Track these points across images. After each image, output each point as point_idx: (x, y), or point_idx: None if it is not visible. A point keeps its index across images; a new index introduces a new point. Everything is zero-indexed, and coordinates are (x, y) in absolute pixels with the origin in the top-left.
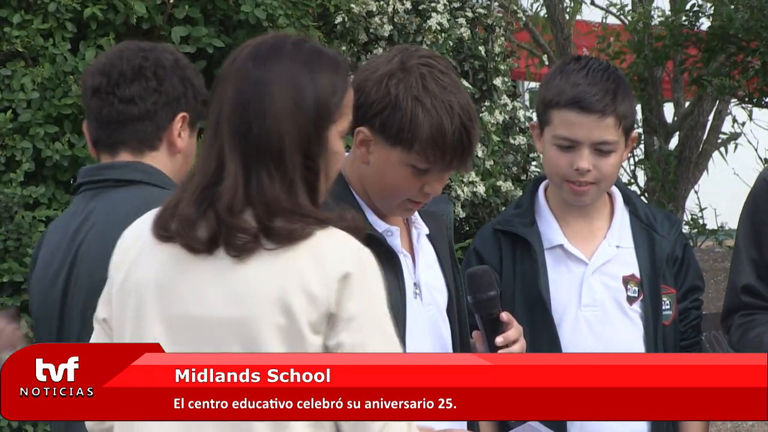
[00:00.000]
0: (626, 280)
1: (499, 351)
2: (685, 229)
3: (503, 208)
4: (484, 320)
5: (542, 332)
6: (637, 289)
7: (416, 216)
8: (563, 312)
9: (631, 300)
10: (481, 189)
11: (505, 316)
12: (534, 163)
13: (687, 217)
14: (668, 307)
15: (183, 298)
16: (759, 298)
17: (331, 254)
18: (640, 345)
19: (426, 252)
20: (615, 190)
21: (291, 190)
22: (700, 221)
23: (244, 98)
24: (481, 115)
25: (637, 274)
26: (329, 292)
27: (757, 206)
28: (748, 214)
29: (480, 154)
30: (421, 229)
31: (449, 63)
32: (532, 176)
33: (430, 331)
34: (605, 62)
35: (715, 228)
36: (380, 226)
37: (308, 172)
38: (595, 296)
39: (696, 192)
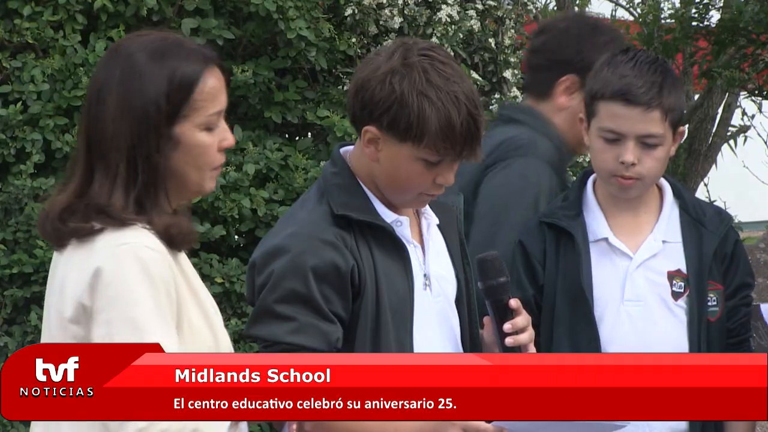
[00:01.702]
0: (671, 276)
1: (507, 338)
2: None
3: None
4: (493, 306)
5: (582, 326)
6: (683, 284)
7: (426, 206)
8: (605, 306)
9: (676, 295)
10: None
11: (513, 302)
12: None
13: None
14: (714, 303)
15: (49, 287)
16: None
17: (97, 250)
18: (684, 341)
19: (436, 242)
20: (665, 183)
21: (111, 191)
22: None
23: (89, 100)
24: (491, 107)
25: (684, 270)
26: (83, 285)
27: None
28: None
29: None
30: (430, 219)
31: (448, 53)
32: None
33: (439, 322)
34: (654, 54)
35: None
36: (389, 216)
37: (134, 173)
38: (638, 291)
39: (705, 185)
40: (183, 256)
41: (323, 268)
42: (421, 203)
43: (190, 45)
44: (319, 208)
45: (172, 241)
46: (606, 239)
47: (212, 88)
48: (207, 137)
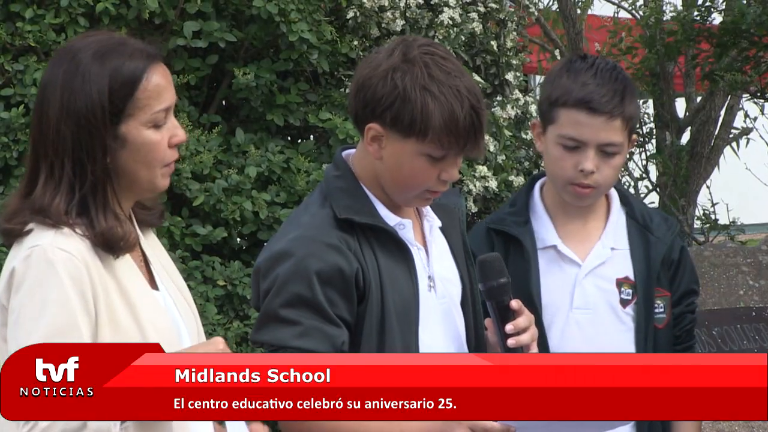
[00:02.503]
0: (620, 283)
1: (509, 339)
2: (697, 224)
3: None
4: (494, 308)
5: None
6: (630, 291)
7: (428, 209)
8: (554, 314)
9: (624, 303)
10: (493, 184)
11: (515, 303)
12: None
13: (699, 212)
14: (662, 310)
15: None
16: None
17: (19, 251)
18: (632, 348)
19: (439, 244)
20: (612, 190)
21: (54, 193)
22: (712, 216)
23: (36, 101)
24: (492, 109)
25: (631, 277)
26: (2, 286)
27: None
28: None
29: (492, 148)
30: (433, 221)
31: (447, 48)
32: (544, 171)
33: (444, 323)
34: (611, 62)
35: (727, 223)
36: (392, 219)
37: (82, 174)
38: (587, 298)
39: (708, 187)
40: (123, 260)
41: (327, 271)
42: (425, 201)
43: (134, 44)
44: (322, 212)
45: (109, 245)
46: (554, 246)
47: (156, 85)
48: (155, 134)
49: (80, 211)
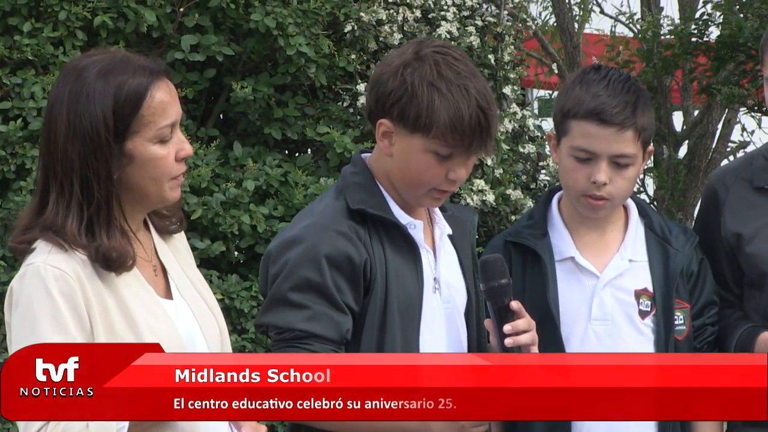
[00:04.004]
0: (638, 294)
1: (507, 339)
2: None
3: (512, 217)
4: (494, 308)
5: (550, 345)
6: (649, 303)
7: (440, 216)
8: (572, 325)
9: (643, 314)
10: (490, 197)
11: (515, 305)
12: (543, 171)
13: None
14: (681, 321)
15: None
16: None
17: (20, 269)
18: None
19: (448, 251)
20: (630, 202)
21: (66, 213)
22: None
23: (44, 120)
24: None
25: (650, 288)
26: (6, 303)
27: (707, 212)
28: (700, 220)
29: (489, 162)
30: (444, 228)
31: (464, 52)
32: (542, 185)
33: (446, 326)
34: (626, 73)
35: None
36: (404, 218)
37: (89, 193)
38: (605, 310)
39: None
40: (128, 273)
41: (337, 257)
42: (434, 200)
43: (138, 60)
44: (335, 204)
45: (108, 264)
46: (572, 258)
47: (161, 101)
48: (161, 149)
49: (88, 231)
